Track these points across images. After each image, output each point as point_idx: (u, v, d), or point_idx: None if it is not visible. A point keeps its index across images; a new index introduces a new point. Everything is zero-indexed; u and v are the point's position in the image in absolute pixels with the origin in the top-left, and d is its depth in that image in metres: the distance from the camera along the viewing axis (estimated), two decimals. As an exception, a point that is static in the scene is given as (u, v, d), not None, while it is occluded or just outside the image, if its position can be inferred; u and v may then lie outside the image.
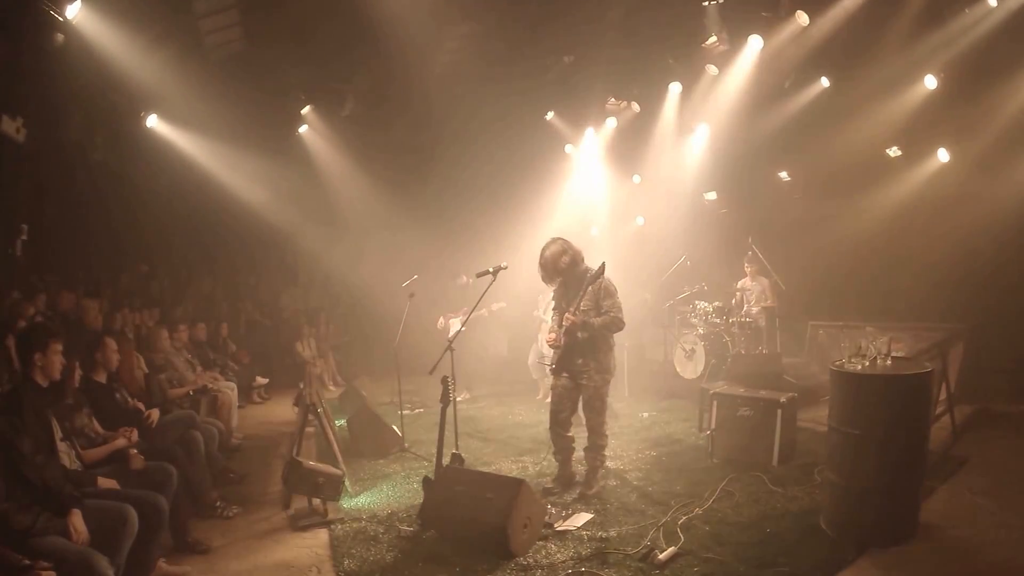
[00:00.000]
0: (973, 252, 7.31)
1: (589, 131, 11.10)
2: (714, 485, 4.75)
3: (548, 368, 5.15)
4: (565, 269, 4.78)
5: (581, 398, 4.89)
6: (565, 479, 4.94)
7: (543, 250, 4.85)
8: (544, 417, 5.08)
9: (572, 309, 4.66)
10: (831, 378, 4.07)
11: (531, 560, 3.79)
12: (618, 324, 4.73)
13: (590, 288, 4.68)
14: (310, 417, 5.46)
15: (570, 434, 4.98)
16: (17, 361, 3.73)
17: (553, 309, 5.12)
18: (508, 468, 5.65)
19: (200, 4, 8.15)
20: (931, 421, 4.63)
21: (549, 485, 4.91)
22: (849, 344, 4.26)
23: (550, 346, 4.96)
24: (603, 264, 4.68)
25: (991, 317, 7.02)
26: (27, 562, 2.73)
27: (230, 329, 9.74)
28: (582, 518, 4.35)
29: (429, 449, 5.95)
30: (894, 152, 8.45)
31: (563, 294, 4.94)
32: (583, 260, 4.87)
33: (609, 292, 4.75)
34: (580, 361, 4.78)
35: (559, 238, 4.90)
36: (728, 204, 11.03)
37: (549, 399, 7.84)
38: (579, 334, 4.71)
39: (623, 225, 11.86)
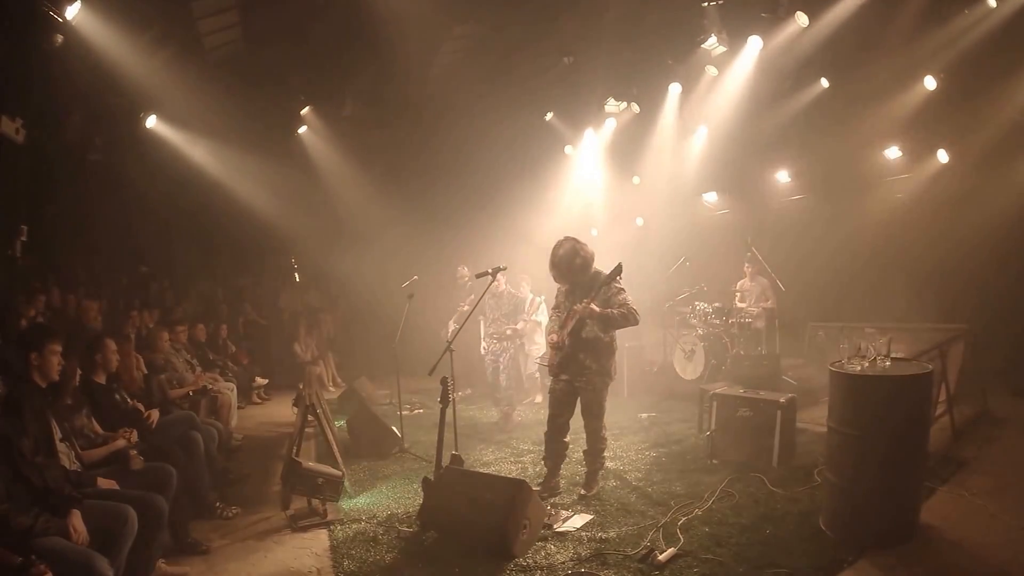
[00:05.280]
0: (973, 252, 7.31)
1: (589, 132, 11.10)
2: (714, 486, 4.75)
3: (546, 369, 5.12)
4: (578, 269, 4.69)
5: (580, 401, 4.85)
6: (551, 487, 4.90)
7: (556, 249, 4.73)
8: (543, 417, 5.06)
9: (586, 302, 4.56)
10: (830, 379, 4.06)
11: (531, 561, 3.79)
12: (635, 316, 4.61)
13: (603, 287, 4.61)
14: (309, 418, 5.46)
15: (566, 439, 4.95)
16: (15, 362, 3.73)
17: (554, 309, 5.08)
18: (508, 469, 5.65)
19: (200, 5, 8.16)
20: (931, 422, 4.63)
21: (536, 489, 4.86)
22: (848, 345, 4.27)
23: (551, 347, 4.93)
24: (619, 265, 4.60)
25: (991, 317, 7.02)
26: (22, 560, 2.72)
27: (229, 330, 9.74)
28: (582, 519, 4.35)
29: (428, 450, 5.96)
30: (894, 153, 8.45)
31: (567, 295, 4.86)
32: (593, 263, 4.76)
33: (620, 288, 4.66)
34: (582, 361, 4.72)
35: (571, 237, 4.77)
36: (728, 205, 11.04)
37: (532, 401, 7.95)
38: (583, 332, 4.68)
39: (623, 226, 11.85)
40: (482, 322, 7.43)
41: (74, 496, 3.17)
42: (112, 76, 7.48)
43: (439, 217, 11.90)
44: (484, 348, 7.39)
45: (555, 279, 4.86)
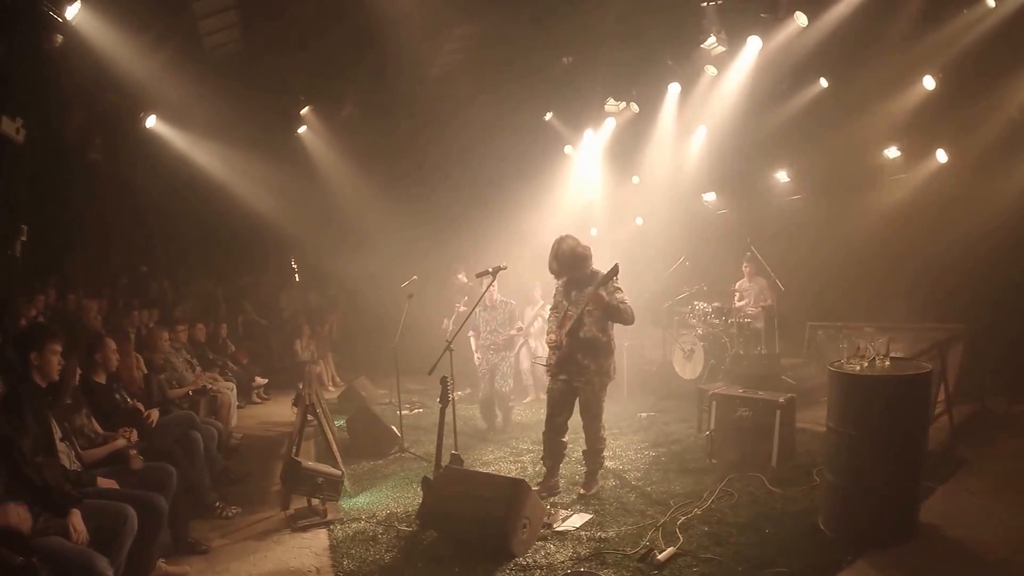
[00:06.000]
0: (971, 252, 7.30)
1: (588, 132, 11.11)
2: (713, 486, 4.76)
3: (545, 369, 5.12)
4: (580, 262, 4.76)
5: (578, 401, 4.85)
6: (550, 487, 4.91)
7: (559, 243, 4.81)
8: (543, 417, 5.07)
9: (592, 288, 4.59)
10: (829, 379, 4.07)
11: (530, 560, 3.80)
12: (632, 314, 4.68)
13: (601, 286, 4.63)
14: (309, 417, 5.46)
15: (564, 439, 4.96)
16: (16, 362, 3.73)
17: (552, 309, 5.10)
18: (507, 468, 5.66)
19: (199, 4, 8.17)
20: (930, 422, 4.64)
21: (535, 488, 4.86)
22: (848, 345, 4.27)
23: (549, 346, 4.94)
24: (616, 265, 4.64)
25: (990, 317, 7.02)
26: (22, 559, 2.73)
27: (229, 329, 9.75)
28: (581, 518, 4.35)
29: (428, 449, 5.97)
30: (893, 153, 8.46)
31: (565, 294, 4.91)
32: (592, 259, 4.84)
33: (617, 288, 4.72)
34: (580, 361, 4.74)
35: (571, 235, 4.87)
36: (727, 205, 11.04)
37: (529, 400, 7.91)
38: (581, 333, 4.69)
39: (622, 226, 11.86)
40: (472, 338, 7.15)
41: (74, 496, 3.17)
42: (112, 76, 7.48)
43: (439, 217, 11.91)
44: (478, 360, 7.10)
45: (555, 273, 4.90)
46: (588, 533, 4.13)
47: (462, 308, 8.36)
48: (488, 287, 6.13)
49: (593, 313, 4.67)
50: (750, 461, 5.18)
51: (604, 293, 4.57)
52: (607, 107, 10.22)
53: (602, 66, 9.46)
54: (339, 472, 4.79)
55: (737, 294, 8.74)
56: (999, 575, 3.47)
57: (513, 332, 7.06)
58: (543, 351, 7.71)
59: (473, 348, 7.20)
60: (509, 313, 7.04)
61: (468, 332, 7.04)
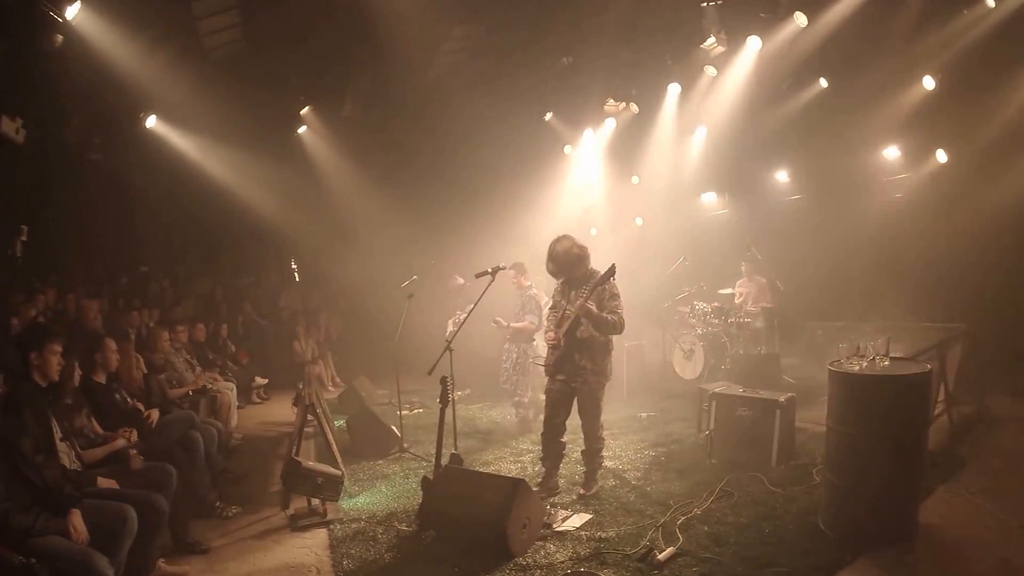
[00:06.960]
0: (971, 252, 7.31)
1: (588, 132, 11.12)
2: (713, 485, 4.76)
3: (543, 369, 5.13)
4: (576, 263, 4.78)
5: (576, 402, 4.86)
6: (550, 487, 4.90)
7: (554, 244, 4.84)
8: (542, 416, 5.06)
9: (583, 299, 4.61)
10: (829, 378, 4.07)
11: (530, 560, 3.80)
12: (621, 326, 4.70)
13: (598, 288, 4.65)
14: (309, 417, 5.46)
15: (563, 440, 4.96)
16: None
17: (551, 309, 5.10)
18: (507, 468, 5.66)
19: (199, 4, 8.17)
20: (929, 421, 4.64)
21: (535, 489, 4.86)
22: (847, 344, 4.26)
23: (548, 344, 4.95)
24: (613, 266, 4.66)
25: (990, 317, 7.03)
26: (22, 559, 2.73)
27: (229, 330, 9.74)
28: (581, 518, 4.36)
29: (428, 449, 5.97)
30: (892, 153, 8.46)
31: (564, 294, 4.92)
32: (589, 259, 4.86)
33: (614, 294, 4.73)
34: (577, 361, 4.74)
35: (567, 235, 4.89)
36: (727, 205, 11.05)
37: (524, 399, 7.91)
38: (578, 333, 4.70)
39: (622, 226, 11.87)
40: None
41: (74, 495, 3.18)
42: (112, 76, 7.48)
43: (439, 217, 11.91)
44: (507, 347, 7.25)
45: (552, 273, 4.92)
46: (588, 533, 4.13)
47: (462, 315, 8.35)
48: (487, 288, 6.12)
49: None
50: (750, 461, 5.18)
51: (593, 305, 4.58)
52: (607, 107, 10.23)
53: (602, 66, 9.46)
54: (339, 472, 4.79)
55: (737, 292, 8.74)
56: (999, 575, 3.48)
57: (517, 324, 7.03)
58: (544, 349, 7.71)
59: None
60: (524, 302, 7.06)
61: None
